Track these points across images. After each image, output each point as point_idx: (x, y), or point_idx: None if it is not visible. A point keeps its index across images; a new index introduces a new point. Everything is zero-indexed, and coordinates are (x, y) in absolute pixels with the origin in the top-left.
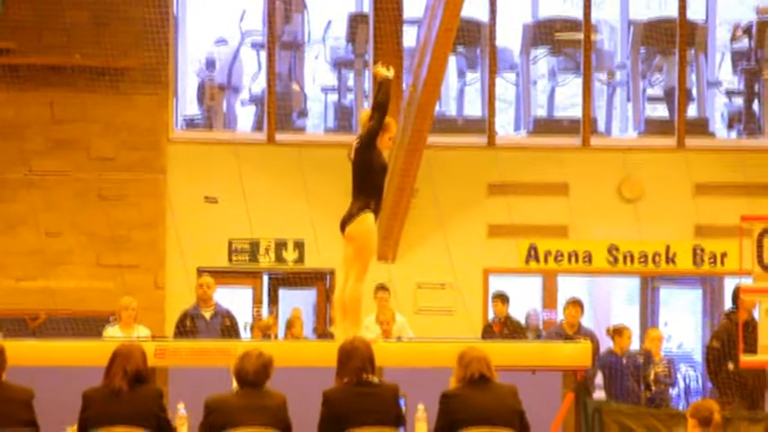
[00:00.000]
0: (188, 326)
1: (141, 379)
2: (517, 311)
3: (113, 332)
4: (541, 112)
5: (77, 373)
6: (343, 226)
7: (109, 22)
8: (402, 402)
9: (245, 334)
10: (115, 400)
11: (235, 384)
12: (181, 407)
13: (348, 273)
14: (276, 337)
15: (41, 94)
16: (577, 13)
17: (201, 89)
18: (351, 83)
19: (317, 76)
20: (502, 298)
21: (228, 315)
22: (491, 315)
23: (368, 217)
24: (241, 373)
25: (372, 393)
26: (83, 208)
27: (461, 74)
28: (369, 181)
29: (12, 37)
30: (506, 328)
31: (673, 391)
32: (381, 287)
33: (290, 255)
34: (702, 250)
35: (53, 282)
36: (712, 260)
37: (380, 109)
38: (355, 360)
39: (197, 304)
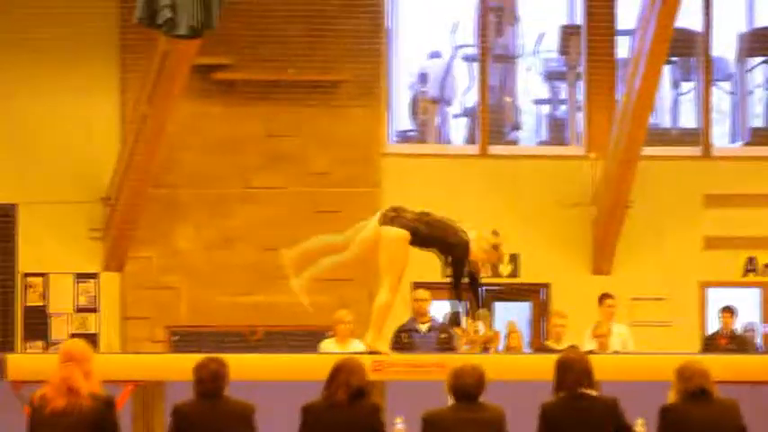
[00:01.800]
0: (404, 340)
1: (362, 394)
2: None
3: (329, 346)
4: (758, 122)
5: (294, 387)
6: (383, 220)
7: (322, 35)
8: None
9: (461, 348)
10: (334, 415)
11: (450, 399)
12: (398, 421)
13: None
14: (496, 350)
15: (257, 108)
16: None
17: (414, 103)
18: (563, 95)
19: (529, 88)
20: (731, 311)
21: (445, 329)
22: (714, 327)
23: (404, 234)
24: (457, 386)
25: (590, 407)
26: (299, 222)
27: (676, 84)
28: (432, 242)
29: (227, 52)
30: (733, 342)
31: None
32: (607, 296)
33: (504, 268)
34: None
35: (270, 296)
36: None
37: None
38: (572, 373)
39: (413, 318)
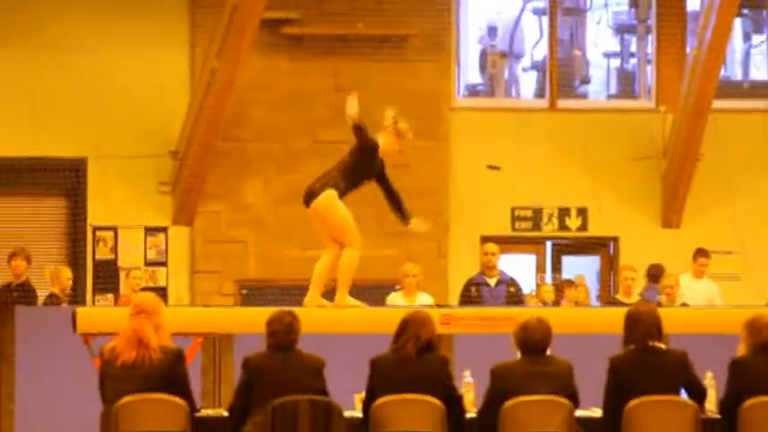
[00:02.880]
0: (473, 293)
1: (431, 347)
2: None
3: (396, 299)
4: None
5: (362, 340)
6: (306, 201)
7: None
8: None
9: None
10: (403, 368)
11: (518, 352)
12: (467, 374)
13: (329, 245)
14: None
15: (325, 63)
16: None
17: (483, 56)
18: (633, 48)
19: (599, 41)
20: None
21: (513, 282)
22: None
23: (330, 194)
24: (524, 339)
25: (659, 360)
26: None
27: (747, 37)
28: (355, 173)
29: (296, 6)
30: None
31: None
32: (703, 253)
33: (573, 222)
34: None
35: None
36: None
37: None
38: (641, 326)
39: (481, 272)
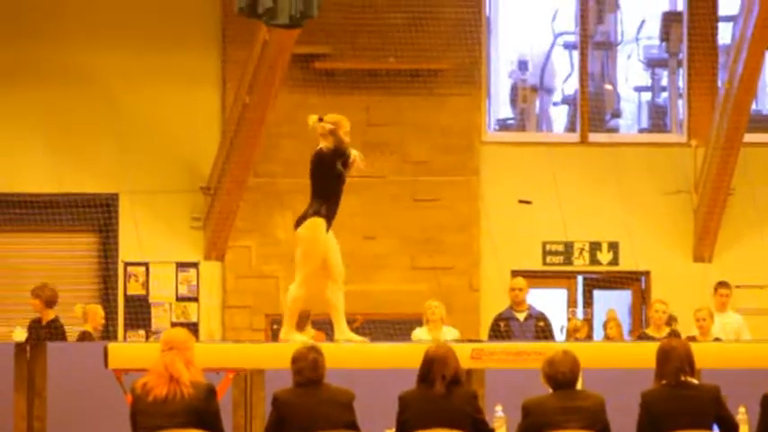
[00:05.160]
0: (502, 328)
1: (458, 381)
2: None
3: (421, 334)
4: None
5: (391, 375)
6: (296, 225)
7: (422, 24)
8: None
9: (560, 336)
10: (432, 403)
11: (548, 388)
12: (498, 409)
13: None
14: (591, 338)
15: (356, 98)
16: None
17: (514, 91)
18: (664, 82)
19: (630, 75)
20: None
21: (542, 317)
22: None
23: (317, 222)
24: (552, 374)
25: (691, 395)
26: (398, 211)
27: None
28: (322, 186)
29: (327, 41)
30: None
31: None
32: (722, 285)
33: (604, 256)
34: None
35: (370, 285)
36: None
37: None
38: (673, 361)
39: (510, 307)
